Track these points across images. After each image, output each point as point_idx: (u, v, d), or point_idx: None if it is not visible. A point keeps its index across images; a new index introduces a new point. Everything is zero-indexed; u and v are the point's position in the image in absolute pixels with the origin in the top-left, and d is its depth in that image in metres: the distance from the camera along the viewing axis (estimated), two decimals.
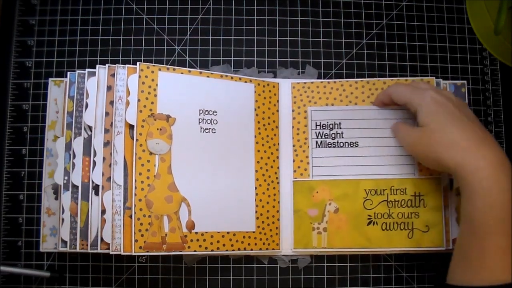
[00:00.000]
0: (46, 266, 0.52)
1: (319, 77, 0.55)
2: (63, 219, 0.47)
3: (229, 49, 0.56)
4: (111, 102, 0.48)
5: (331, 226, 0.51)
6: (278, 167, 0.53)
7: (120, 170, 0.47)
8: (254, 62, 0.55)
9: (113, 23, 0.56)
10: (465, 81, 0.54)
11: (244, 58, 0.55)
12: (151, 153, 0.48)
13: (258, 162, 0.52)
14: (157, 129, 0.48)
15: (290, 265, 0.53)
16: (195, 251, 0.48)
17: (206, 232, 0.49)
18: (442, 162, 0.43)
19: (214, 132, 0.51)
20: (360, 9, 0.57)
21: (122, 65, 0.49)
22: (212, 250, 0.49)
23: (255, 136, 0.52)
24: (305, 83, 0.54)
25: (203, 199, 0.50)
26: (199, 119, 0.50)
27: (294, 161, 0.53)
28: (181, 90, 0.50)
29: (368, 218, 0.51)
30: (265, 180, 0.52)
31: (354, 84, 0.53)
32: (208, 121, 0.51)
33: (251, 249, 0.51)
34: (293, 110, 0.54)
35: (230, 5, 0.56)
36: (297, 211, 0.52)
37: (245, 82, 0.52)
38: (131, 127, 0.48)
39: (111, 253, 0.46)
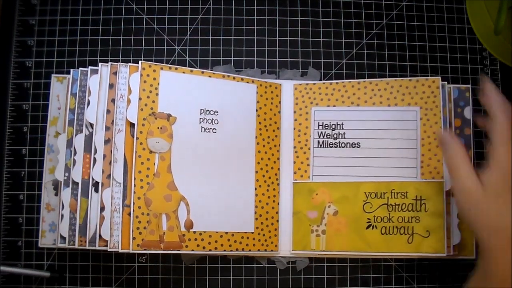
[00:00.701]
0: (46, 266, 0.52)
1: (320, 78, 0.55)
2: (62, 215, 0.47)
3: (229, 49, 0.56)
4: (113, 100, 0.48)
5: (330, 228, 0.51)
6: (278, 169, 0.53)
7: (120, 167, 0.47)
8: (254, 62, 0.55)
9: (113, 23, 0.56)
10: (469, 85, 0.53)
11: (244, 58, 0.55)
12: (151, 152, 0.48)
13: (258, 163, 0.52)
14: (158, 127, 0.48)
15: (290, 265, 0.53)
16: (193, 250, 0.48)
17: (205, 232, 0.49)
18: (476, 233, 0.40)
19: (215, 132, 0.51)
20: (360, 9, 0.57)
21: (124, 64, 0.49)
22: (210, 250, 0.49)
23: (256, 137, 0.52)
24: (307, 84, 0.54)
25: (202, 199, 0.49)
26: (200, 118, 0.50)
27: (294, 162, 0.53)
28: (183, 89, 0.50)
29: (368, 222, 0.51)
30: (265, 181, 0.52)
31: (356, 84, 0.53)
32: (209, 121, 0.51)
33: (249, 250, 0.50)
34: (295, 112, 0.54)
35: (230, 5, 0.56)
36: (297, 213, 0.52)
37: (247, 82, 0.52)
38: (131, 125, 0.48)
39: (109, 250, 0.46)
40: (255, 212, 0.51)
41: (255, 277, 0.53)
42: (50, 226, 0.50)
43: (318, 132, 0.53)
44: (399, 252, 0.50)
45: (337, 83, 0.53)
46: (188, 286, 0.52)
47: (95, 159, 0.48)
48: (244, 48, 0.56)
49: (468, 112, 0.53)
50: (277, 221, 0.52)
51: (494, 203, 0.39)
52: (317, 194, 0.52)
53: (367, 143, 0.52)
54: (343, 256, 0.52)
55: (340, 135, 0.53)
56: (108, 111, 0.48)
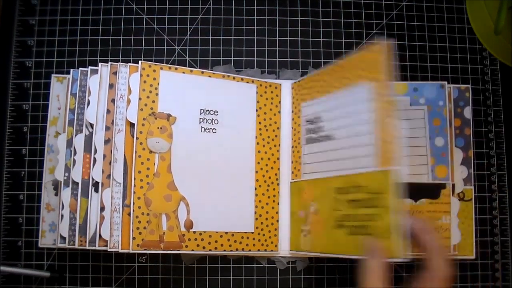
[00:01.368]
0: (46, 266, 0.52)
1: None
2: (62, 215, 0.47)
3: (229, 49, 0.56)
4: (113, 100, 0.48)
5: (313, 228, 0.50)
6: (278, 168, 0.53)
7: (120, 167, 0.47)
8: (254, 62, 0.55)
9: (113, 23, 0.56)
10: (469, 85, 0.53)
11: (244, 58, 0.55)
12: (151, 152, 0.48)
13: (258, 163, 0.52)
14: (158, 127, 0.48)
15: (290, 265, 0.53)
16: (192, 250, 0.48)
17: (204, 232, 0.49)
18: None
19: (215, 132, 0.51)
20: (360, 9, 0.57)
21: (124, 64, 0.49)
22: (210, 250, 0.49)
23: (256, 137, 0.52)
24: (299, 81, 0.54)
25: (202, 199, 0.49)
26: (200, 118, 0.50)
27: (292, 162, 0.53)
28: (183, 89, 0.50)
29: (337, 221, 0.48)
30: (265, 181, 0.52)
31: (329, 71, 0.50)
32: (209, 121, 0.51)
33: (249, 250, 0.50)
34: (292, 111, 0.54)
35: (230, 5, 0.56)
36: (293, 213, 0.52)
37: (247, 82, 0.52)
38: (131, 125, 0.48)
39: (109, 250, 0.46)
40: (255, 212, 0.51)
41: (255, 277, 0.53)
42: (50, 226, 0.50)
43: (305, 128, 0.53)
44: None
45: (318, 74, 0.51)
46: (188, 286, 0.52)
47: (95, 159, 0.48)
48: (244, 48, 0.56)
49: (468, 112, 0.53)
50: (277, 221, 0.52)
51: None
52: (305, 192, 0.51)
53: (338, 133, 0.49)
54: (326, 257, 0.52)
55: (319, 129, 0.51)
56: (108, 111, 0.48)
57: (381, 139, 0.43)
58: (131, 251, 0.46)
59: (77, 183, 0.48)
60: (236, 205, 0.51)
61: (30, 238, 0.52)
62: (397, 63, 0.56)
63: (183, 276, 0.52)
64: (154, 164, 0.48)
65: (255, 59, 0.55)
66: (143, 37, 0.55)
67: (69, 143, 0.49)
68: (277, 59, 0.56)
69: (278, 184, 0.53)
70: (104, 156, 0.48)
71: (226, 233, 0.50)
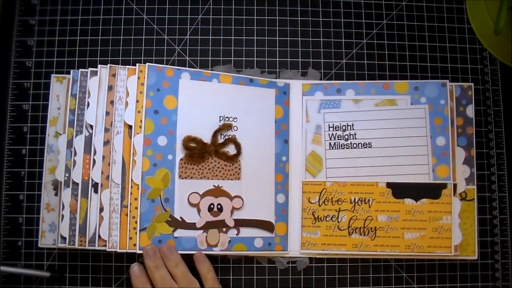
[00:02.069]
0: (46, 266, 0.52)
1: (320, 78, 0.55)
2: (63, 215, 0.48)
3: (229, 49, 0.56)
4: (112, 102, 0.48)
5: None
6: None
7: (118, 169, 0.47)
8: (254, 62, 0.55)
9: (113, 23, 0.56)
10: (472, 84, 0.53)
11: (244, 58, 0.55)
12: None
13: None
14: None
15: (290, 265, 0.53)
16: None
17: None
18: None
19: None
20: (360, 9, 0.57)
21: (123, 66, 0.49)
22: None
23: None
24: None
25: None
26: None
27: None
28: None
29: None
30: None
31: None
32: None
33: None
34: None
35: (230, 5, 0.56)
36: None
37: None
38: (129, 127, 0.48)
39: (107, 250, 0.46)
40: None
41: (255, 277, 0.53)
42: (50, 226, 0.50)
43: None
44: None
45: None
46: None
47: (94, 160, 0.48)
48: (244, 48, 0.56)
49: (470, 111, 0.53)
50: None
51: None
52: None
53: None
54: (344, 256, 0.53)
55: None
56: (107, 113, 0.48)
57: None
58: (128, 251, 0.47)
59: (77, 184, 0.48)
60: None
61: (30, 238, 0.52)
62: (397, 63, 0.56)
63: None
64: None
65: (255, 59, 0.55)
66: (143, 37, 0.55)
67: (69, 143, 0.49)
68: (277, 59, 0.56)
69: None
70: (103, 157, 0.48)
71: None
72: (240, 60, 0.55)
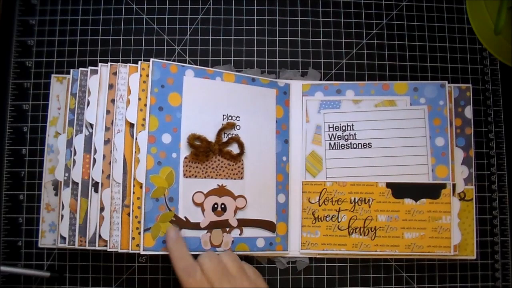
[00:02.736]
0: (46, 266, 0.52)
1: (320, 78, 0.55)
2: (62, 215, 0.47)
3: (229, 49, 0.56)
4: (112, 101, 0.48)
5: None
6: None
7: (119, 168, 0.47)
8: (254, 62, 0.55)
9: (113, 23, 0.56)
10: (470, 85, 0.54)
11: (244, 58, 0.55)
12: None
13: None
14: None
15: (290, 265, 0.53)
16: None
17: None
18: None
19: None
20: (360, 9, 0.57)
21: (124, 64, 0.49)
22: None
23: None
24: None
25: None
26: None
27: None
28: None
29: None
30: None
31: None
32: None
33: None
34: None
35: (230, 5, 0.56)
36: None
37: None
38: (131, 125, 0.48)
39: (108, 250, 0.46)
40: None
41: None
42: (50, 226, 0.50)
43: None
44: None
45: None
46: None
47: (94, 160, 0.48)
48: (244, 48, 0.56)
49: (468, 112, 0.53)
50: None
51: None
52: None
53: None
54: (342, 256, 0.53)
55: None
56: (107, 112, 0.48)
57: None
58: (130, 251, 0.46)
59: (77, 183, 0.48)
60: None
61: (30, 238, 0.52)
62: (397, 63, 0.56)
63: None
64: None
65: (255, 59, 0.55)
66: (143, 37, 0.55)
67: (69, 143, 0.49)
68: (277, 59, 0.56)
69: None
70: (104, 156, 0.48)
71: None
72: (240, 60, 0.55)
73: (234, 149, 0.51)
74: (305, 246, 0.52)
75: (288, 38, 0.56)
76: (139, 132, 0.47)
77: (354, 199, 0.52)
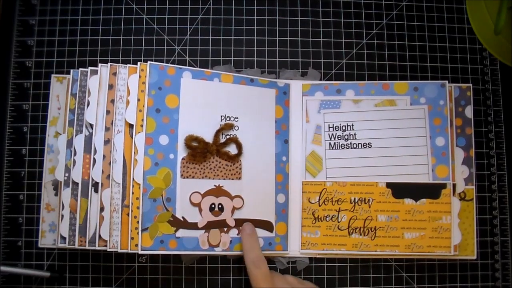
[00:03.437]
0: (46, 266, 0.52)
1: (320, 78, 0.55)
2: (62, 215, 0.48)
3: (229, 49, 0.56)
4: (112, 101, 0.48)
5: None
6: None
7: (119, 168, 0.47)
8: (254, 62, 0.55)
9: (113, 23, 0.56)
10: (471, 84, 0.53)
11: (244, 58, 0.55)
12: None
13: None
14: None
15: (290, 265, 0.53)
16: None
17: None
18: None
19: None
20: (360, 9, 0.57)
21: (123, 65, 0.49)
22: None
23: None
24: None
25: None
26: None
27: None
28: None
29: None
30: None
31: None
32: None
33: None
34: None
35: (230, 5, 0.56)
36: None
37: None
38: (130, 126, 0.48)
39: (108, 250, 0.46)
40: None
41: None
42: (50, 226, 0.50)
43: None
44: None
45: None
46: (188, 286, 0.52)
47: (94, 160, 0.48)
48: (244, 48, 0.56)
49: (469, 111, 0.53)
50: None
51: None
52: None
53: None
54: (342, 256, 0.53)
55: (351, 136, 0.53)
56: (107, 112, 0.48)
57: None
58: (130, 251, 0.46)
59: (77, 183, 0.48)
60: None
61: (30, 238, 0.52)
62: (397, 63, 0.56)
63: (183, 276, 0.52)
64: None
65: (255, 59, 0.55)
66: (143, 37, 0.55)
67: (69, 143, 0.49)
68: (277, 59, 0.56)
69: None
70: (104, 156, 0.48)
71: None
72: (240, 60, 0.55)
73: (232, 149, 0.51)
74: (305, 246, 0.52)
75: (288, 38, 0.56)
76: (137, 133, 0.47)
77: (354, 199, 0.52)
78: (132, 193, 0.47)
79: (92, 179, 0.48)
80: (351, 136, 0.53)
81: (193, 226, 0.49)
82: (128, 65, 0.49)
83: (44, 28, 0.55)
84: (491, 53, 0.56)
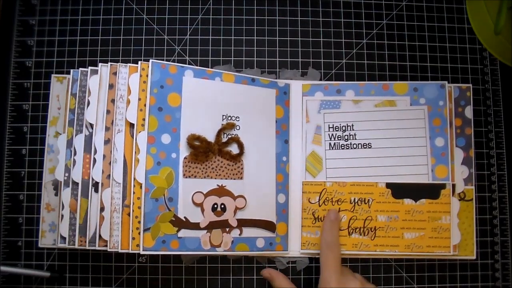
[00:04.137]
0: (46, 266, 0.52)
1: (320, 78, 0.55)
2: (62, 215, 0.48)
3: (229, 49, 0.56)
4: (112, 100, 0.48)
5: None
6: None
7: (119, 168, 0.47)
8: (254, 62, 0.55)
9: (113, 23, 0.56)
10: (470, 85, 0.54)
11: (244, 58, 0.55)
12: None
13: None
14: None
15: (290, 265, 0.53)
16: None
17: None
18: None
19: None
20: (360, 9, 0.57)
21: (124, 64, 0.49)
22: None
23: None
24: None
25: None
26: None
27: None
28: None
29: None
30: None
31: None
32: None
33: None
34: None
35: (230, 5, 0.56)
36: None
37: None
38: (131, 125, 0.48)
39: (108, 250, 0.46)
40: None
41: (255, 277, 0.53)
42: (50, 226, 0.50)
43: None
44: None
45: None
46: (188, 286, 0.52)
47: (95, 159, 0.48)
48: (244, 48, 0.56)
49: (469, 112, 0.53)
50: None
51: None
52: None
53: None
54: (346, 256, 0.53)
55: (351, 136, 0.53)
56: (108, 112, 0.48)
57: None
58: (130, 252, 0.46)
59: (77, 183, 0.48)
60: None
61: (30, 238, 0.52)
62: (397, 63, 0.56)
63: (183, 276, 0.52)
64: None
65: (255, 59, 0.55)
66: (143, 37, 0.55)
67: (69, 143, 0.49)
68: (277, 59, 0.56)
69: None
70: (104, 156, 0.48)
71: None
72: (240, 60, 0.55)
73: (233, 149, 0.51)
74: (305, 246, 0.52)
75: (288, 38, 0.56)
76: (139, 132, 0.47)
77: (354, 199, 0.52)
78: (133, 192, 0.47)
79: (92, 179, 0.48)
80: (351, 136, 0.53)
81: (195, 226, 0.49)
82: (129, 64, 0.49)
83: (44, 28, 0.55)
84: (491, 53, 0.56)
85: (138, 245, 0.46)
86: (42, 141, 0.53)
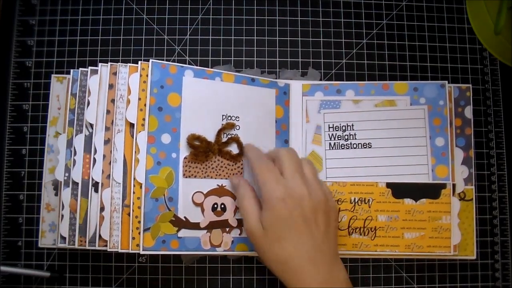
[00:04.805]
0: (46, 266, 0.52)
1: (320, 78, 0.55)
2: (62, 215, 0.47)
3: (229, 49, 0.56)
4: (112, 100, 0.48)
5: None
6: None
7: (119, 168, 0.47)
8: (254, 62, 0.55)
9: (113, 23, 0.56)
10: (470, 85, 0.53)
11: (244, 58, 0.55)
12: None
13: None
14: None
15: None
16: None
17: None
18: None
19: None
20: (360, 9, 0.57)
21: (124, 64, 0.49)
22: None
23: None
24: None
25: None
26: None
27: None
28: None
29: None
30: None
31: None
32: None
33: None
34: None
35: (230, 5, 0.56)
36: None
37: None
38: (131, 125, 0.48)
39: (108, 250, 0.46)
40: None
41: (255, 277, 0.53)
42: (50, 226, 0.50)
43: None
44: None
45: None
46: (188, 286, 0.52)
47: (95, 159, 0.48)
48: (244, 48, 0.56)
49: (468, 112, 0.53)
50: None
51: (276, 242, 0.43)
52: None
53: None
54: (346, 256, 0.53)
55: (351, 136, 0.53)
56: (107, 112, 0.48)
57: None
58: (130, 251, 0.46)
59: (77, 183, 0.48)
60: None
61: (30, 238, 0.52)
62: (397, 63, 0.56)
63: (183, 276, 0.52)
64: None
65: (255, 59, 0.55)
66: (143, 37, 0.55)
67: (69, 143, 0.49)
68: (277, 59, 0.56)
69: None
70: (104, 156, 0.48)
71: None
72: (240, 60, 0.55)
73: (233, 149, 0.51)
74: None
75: (288, 38, 0.56)
76: (139, 132, 0.47)
77: (354, 199, 0.52)
78: (133, 192, 0.47)
79: (92, 179, 0.48)
80: (351, 136, 0.53)
81: (195, 226, 0.49)
82: (129, 64, 0.49)
83: (44, 28, 0.55)
84: (491, 53, 0.56)
85: (138, 245, 0.46)
86: (42, 141, 0.53)
